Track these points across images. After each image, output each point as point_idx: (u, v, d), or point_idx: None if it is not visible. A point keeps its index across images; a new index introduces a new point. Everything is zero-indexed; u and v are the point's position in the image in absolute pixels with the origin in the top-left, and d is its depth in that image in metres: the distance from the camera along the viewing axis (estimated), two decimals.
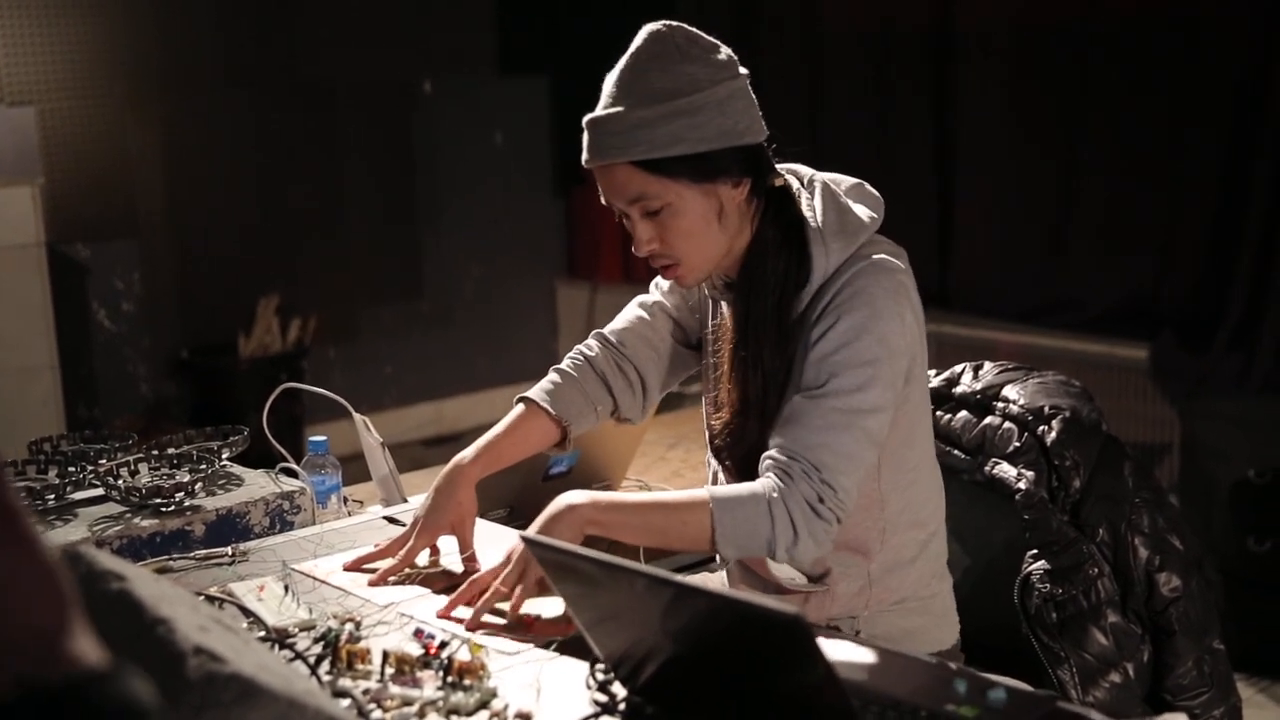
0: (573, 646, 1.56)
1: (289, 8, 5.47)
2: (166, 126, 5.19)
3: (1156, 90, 4.28)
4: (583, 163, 1.77)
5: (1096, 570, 1.93)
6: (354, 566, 1.85)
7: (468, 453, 1.91)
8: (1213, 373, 4.03)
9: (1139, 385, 4.23)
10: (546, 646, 1.58)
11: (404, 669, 1.45)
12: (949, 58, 4.84)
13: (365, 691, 1.41)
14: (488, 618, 1.65)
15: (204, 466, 2.11)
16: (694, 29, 1.76)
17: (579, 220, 6.20)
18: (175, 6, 5.17)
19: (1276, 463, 3.59)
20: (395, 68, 5.78)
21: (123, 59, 5.04)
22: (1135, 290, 4.39)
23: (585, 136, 1.75)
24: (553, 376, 1.99)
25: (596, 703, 1.42)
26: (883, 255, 1.76)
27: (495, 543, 1.90)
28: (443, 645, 1.49)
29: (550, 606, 1.66)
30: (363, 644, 1.51)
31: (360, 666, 1.48)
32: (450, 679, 1.44)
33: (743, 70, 1.77)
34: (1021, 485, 1.96)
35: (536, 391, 1.96)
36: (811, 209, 1.79)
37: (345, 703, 1.39)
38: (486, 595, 1.65)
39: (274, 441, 2.23)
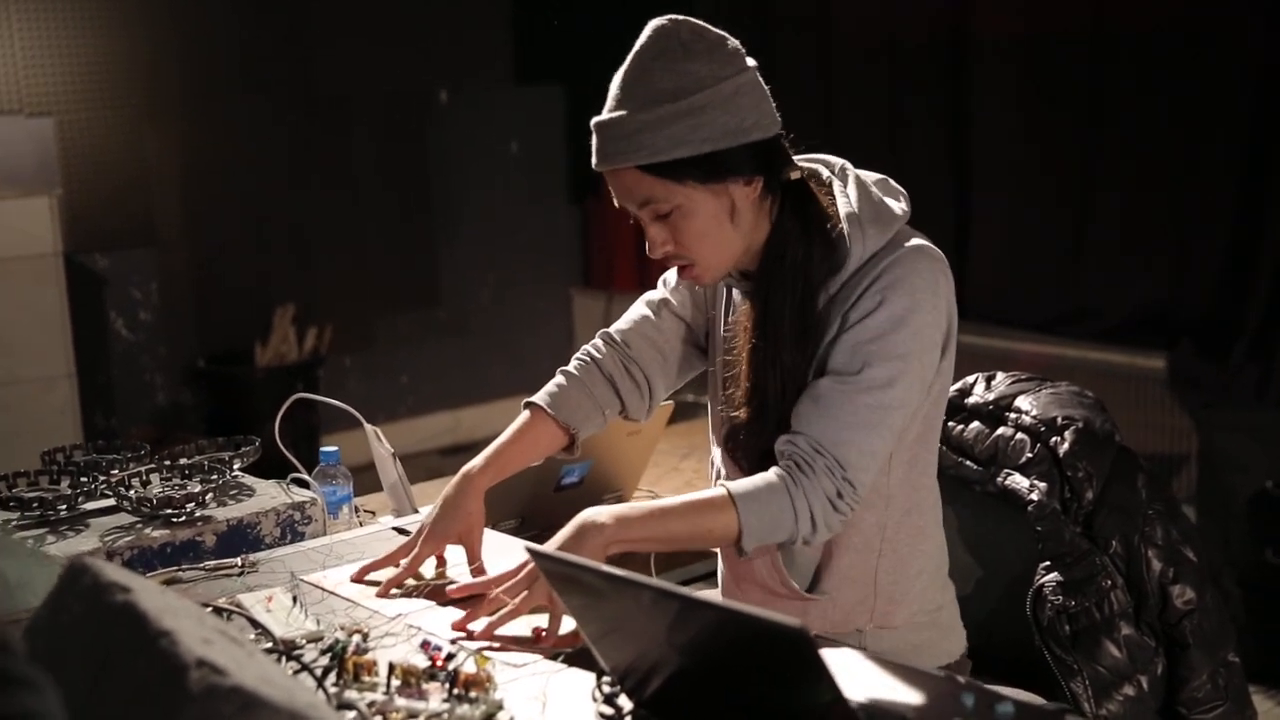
0: (580, 659, 1.55)
1: (306, 19, 5.49)
2: (184, 137, 5.21)
3: (1172, 99, 4.26)
4: (592, 166, 1.77)
5: (1109, 582, 1.92)
6: (360, 576, 1.85)
7: (476, 462, 1.91)
8: (1231, 383, 4.00)
9: (1157, 395, 4.20)
10: (554, 658, 1.57)
11: (410, 681, 1.45)
12: (963, 68, 4.83)
13: (370, 704, 1.41)
14: (500, 630, 1.64)
15: (215, 477, 2.11)
16: (700, 22, 1.73)
17: (594, 229, 6.20)
18: (193, 18, 5.20)
19: None
20: (411, 77, 5.79)
21: (141, 70, 5.06)
22: (1153, 300, 4.36)
23: (593, 139, 1.74)
24: (559, 379, 1.98)
25: (603, 715, 1.42)
26: (921, 241, 1.76)
27: (505, 553, 1.89)
28: (449, 657, 1.49)
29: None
30: (369, 656, 1.51)
31: (366, 678, 1.47)
32: (456, 691, 1.43)
33: (750, 62, 1.74)
34: (1034, 496, 1.95)
35: (542, 396, 1.95)
36: (846, 195, 1.77)
37: (350, 715, 1.39)
38: (496, 609, 1.64)
39: (285, 451, 2.23)
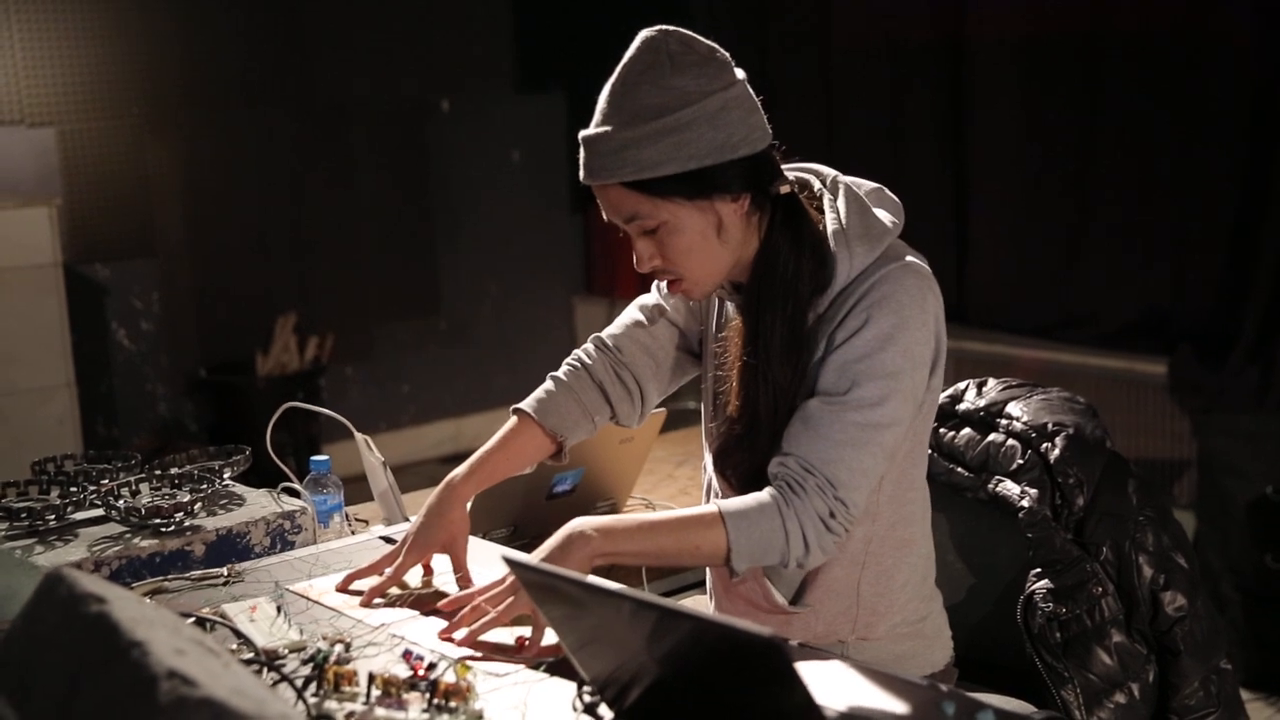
0: (561, 668, 1.55)
1: (307, 28, 5.50)
2: (185, 147, 5.22)
3: (1171, 105, 4.26)
4: (580, 180, 1.76)
5: (1100, 589, 1.91)
6: (345, 585, 1.85)
7: (460, 470, 1.90)
8: (1230, 389, 3.99)
9: (1157, 401, 4.19)
10: (536, 668, 1.57)
11: (390, 691, 1.44)
12: (961, 74, 4.82)
13: (350, 714, 1.41)
14: (482, 639, 1.64)
15: (205, 486, 2.11)
16: (690, 33, 1.71)
17: (596, 236, 6.20)
18: (194, 28, 5.21)
19: None
20: (413, 86, 5.80)
21: (142, 81, 5.07)
22: (1152, 305, 4.36)
23: (581, 153, 1.74)
24: (547, 385, 1.97)
25: None
26: (910, 258, 1.74)
27: (492, 563, 1.89)
28: (431, 667, 1.49)
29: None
30: (351, 665, 1.51)
31: (347, 688, 1.47)
32: (436, 701, 1.43)
33: (740, 74, 1.72)
34: (1025, 503, 1.94)
35: (529, 402, 1.94)
36: (835, 210, 1.75)
37: None
38: (478, 618, 1.64)
39: (277, 460, 2.23)
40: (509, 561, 1.39)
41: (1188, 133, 4.22)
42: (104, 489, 2.08)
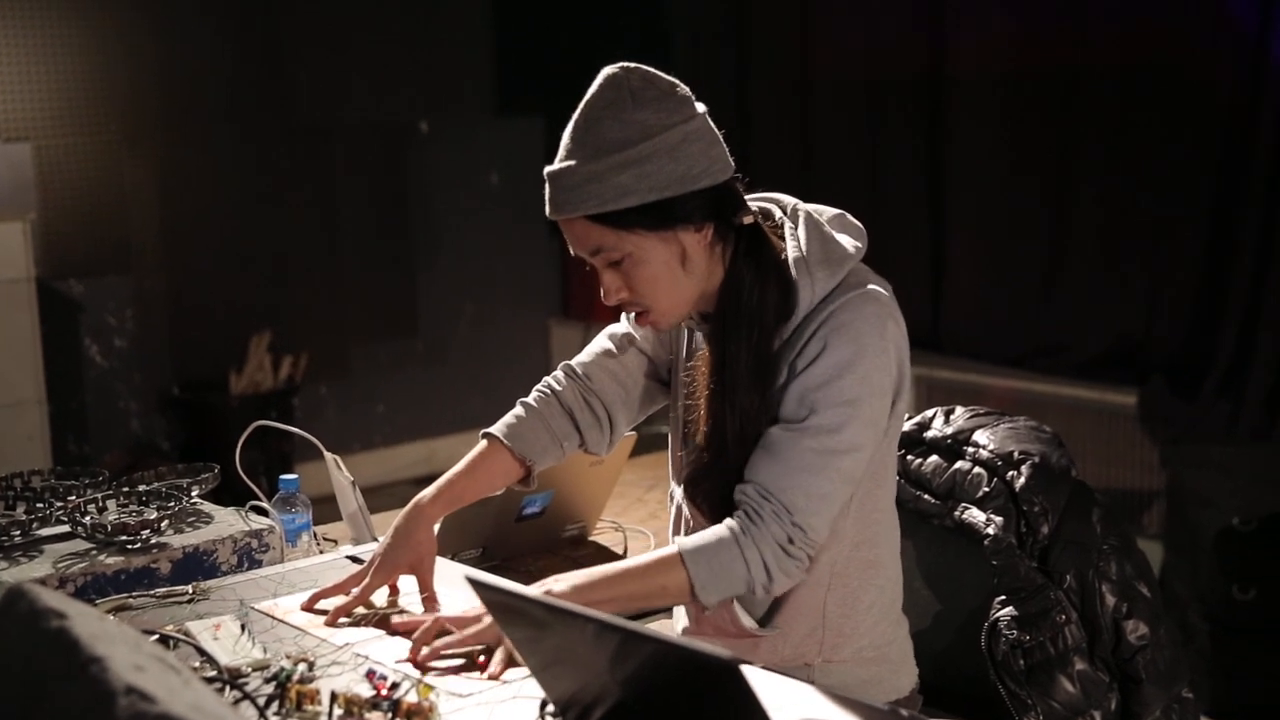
0: (525, 688, 1.55)
1: (287, 47, 5.51)
2: (161, 164, 5.21)
3: (1144, 139, 4.30)
4: (547, 215, 1.77)
5: (1064, 617, 1.92)
6: (310, 604, 1.84)
7: (428, 492, 1.91)
8: (1200, 420, 4.02)
9: (1127, 431, 4.22)
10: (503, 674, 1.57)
11: (352, 710, 1.44)
12: (939, 104, 4.86)
13: None
14: (445, 660, 1.64)
15: (172, 504, 2.10)
16: (651, 69, 1.74)
17: (573, 260, 6.17)
18: (172, 44, 5.21)
19: (1261, 510, 3.58)
20: (392, 107, 5.81)
21: (119, 97, 5.07)
22: (1124, 336, 4.39)
23: (546, 189, 1.75)
24: (518, 410, 1.98)
25: None
26: (871, 286, 1.75)
27: (459, 583, 1.89)
28: (394, 686, 1.49)
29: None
30: (314, 684, 1.51)
31: (309, 707, 1.47)
32: None
33: (700, 108, 1.74)
34: (990, 530, 1.95)
35: (499, 427, 1.95)
36: (795, 238, 1.77)
37: None
38: (437, 641, 1.64)
39: (245, 478, 2.22)
40: (473, 582, 1.39)
41: (1161, 166, 4.26)
42: (70, 505, 2.07)
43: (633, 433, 2.38)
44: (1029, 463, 1.99)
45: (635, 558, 1.74)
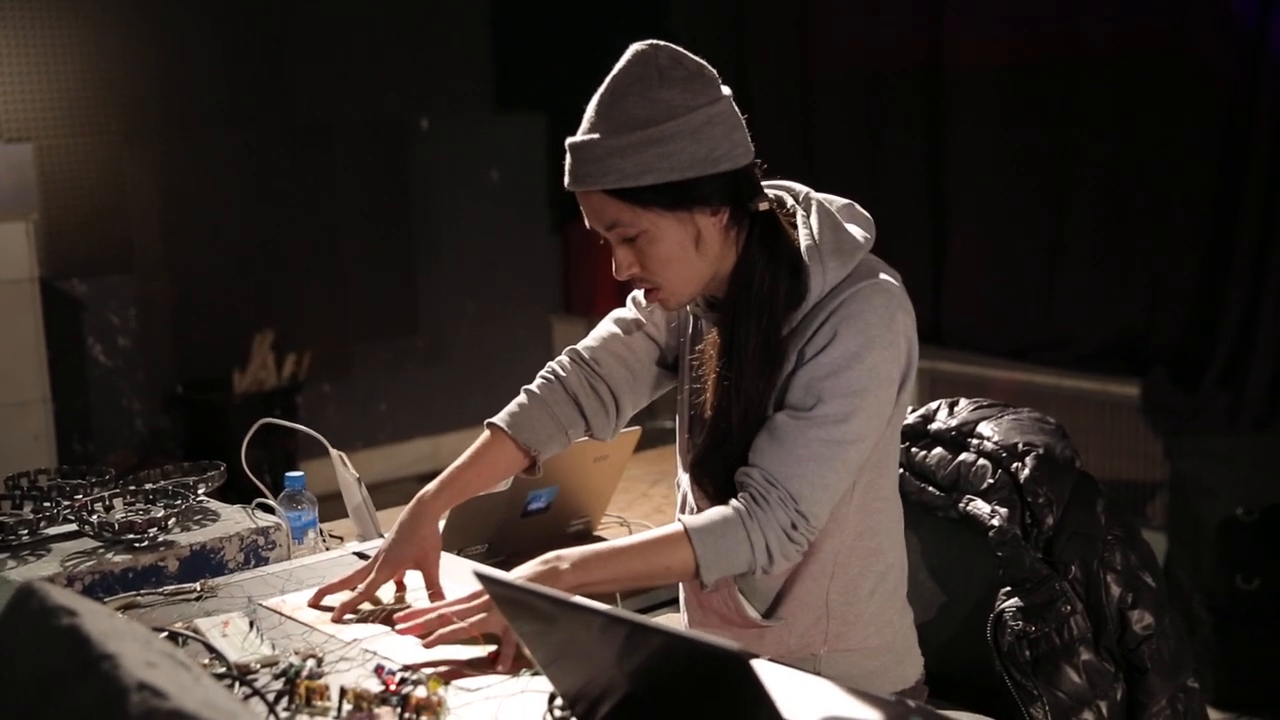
0: (534, 682, 1.55)
1: (287, 45, 5.51)
2: (163, 163, 5.22)
3: (1144, 129, 4.30)
4: (565, 186, 1.78)
5: (1069, 607, 1.92)
6: (317, 600, 1.85)
7: (431, 487, 1.91)
8: (1203, 410, 4.02)
9: (1130, 422, 4.22)
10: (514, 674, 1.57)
11: (362, 705, 1.45)
12: (938, 99, 4.86)
13: None
14: (452, 653, 1.64)
15: (179, 502, 2.11)
16: (680, 49, 1.75)
17: (574, 256, 6.22)
18: (173, 44, 5.21)
19: (1264, 501, 3.58)
20: (392, 105, 5.81)
21: (120, 96, 5.07)
22: (1126, 328, 4.39)
23: (567, 159, 1.76)
24: (521, 399, 1.98)
25: None
26: (882, 276, 1.76)
27: (465, 578, 1.89)
28: (402, 681, 1.49)
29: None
30: (322, 680, 1.51)
31: (318, 703, 1.47)
32: (407, 715, 1.43)
33: (726, 91, 1.75)
34: (995, 522, 1.95)
35: (503, 416, 1.95)
36: (808, 226, 1.78)
37: None
38: (440, 623, 1.66)
39: (252, 476, 2.23)
40: (480, 576, 1.40)
41: (1161, 159, 4.26)
42: (78, 504, 2.08)
43: (637, 428, 2.39)
44: (1033, 454, 1.99)
45: (639, 534, 1.75)
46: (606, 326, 2.03)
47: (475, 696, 1.54)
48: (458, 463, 1.93)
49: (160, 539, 2.03)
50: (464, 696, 1.53)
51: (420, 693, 1.46)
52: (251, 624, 1.72)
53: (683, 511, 1.96)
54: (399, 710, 1.44)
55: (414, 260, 5.94)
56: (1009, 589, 1.93)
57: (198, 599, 1.89)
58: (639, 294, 1.97)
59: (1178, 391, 4.11)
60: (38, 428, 4.47)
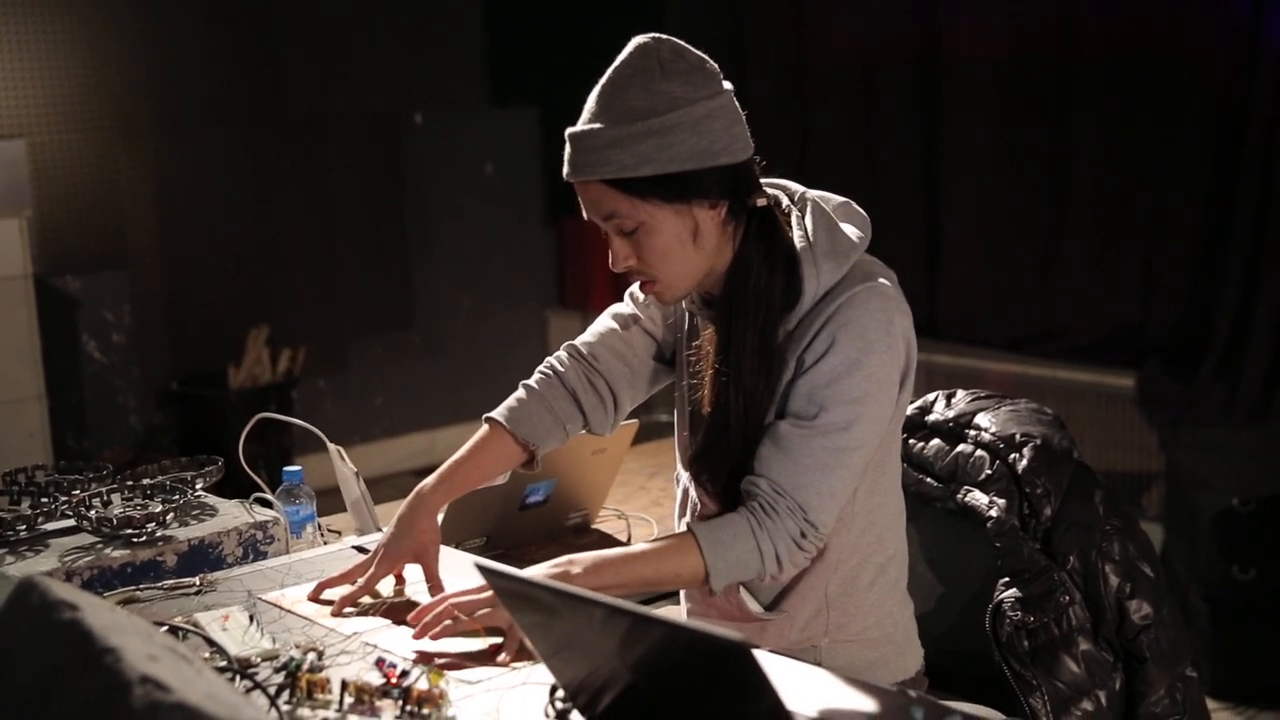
0: (535, 674, 1.56)
1: (280, 40, 5.50)
2: (157, 159, 5.21)
3: (1140, 122, 4.31)
4: (563, 176, 1.78)
5: (1068, 598, 1.93)
6: (316, 594, 1.85)
7: (429, 480, 1.91)
8: (1198, 402, 4.03)
9: (1125, 414, 4.23)
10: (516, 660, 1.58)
11: (363, 698, 1.45)
12: (934, 91, 4.86)
13: None
14: (453, 646, 1.65)
15: (176, 497, 2.11)
16: (681, 42, 1.75)
17: (570, 250, 6.22)
18: (166, 40, 5.20)
19: (1260, 491, 3.59)
20: (386, 100, 5.81)
21: (114, 92, 5.06)
22: (1121, 319, 4.40)
23: (566, 149, 1.76)
24: (519, 393, 1.98)
25: None
26: (877, 280, 1.76)
27: (465, 572, 1.89)
28: (404, 674, 1.49)
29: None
30: (324, 674, 1.51)
31: (320, 696, 1.47)
32: (409, 708, 1.44)
33: (727, 85, 1.76)
34: (993, 513, 1.96)
35: (501, 411, 1.96)
36: (802, 227, 1.78)
37: None
38: (440, 611, 1.66)
39: (249, 471, 2.23)
40: (482, 569, 1.40)
41: (1156, 151, 4.27)
42: (75, 499, 2.08)
43: (634, 420, 2.39)
44: (1031, 445, 2.00)
45: (648, 542, 1.76)
46: (604, 322, 2.03)
47: (476, 689, 1.54)
48: (456, 457, 1.93)
49: (158, 534, 2.02)
50: (465, 689, 1.53)
51: (422, 685, 1.46)
52: (251, 618, 1.72)
53: (684, 507, 1.96)
54: (400, 703, 1.44)
55: (409, 255, 5.93)
56: (1007, 580, 1.93)
57: (197, 593, 1.89)
58: (637, 289, 1.97)
59: (1173, 383, 4.12)
60: (33, 424, 4.46)
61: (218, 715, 1.10)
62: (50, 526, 2.09)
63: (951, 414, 2.10)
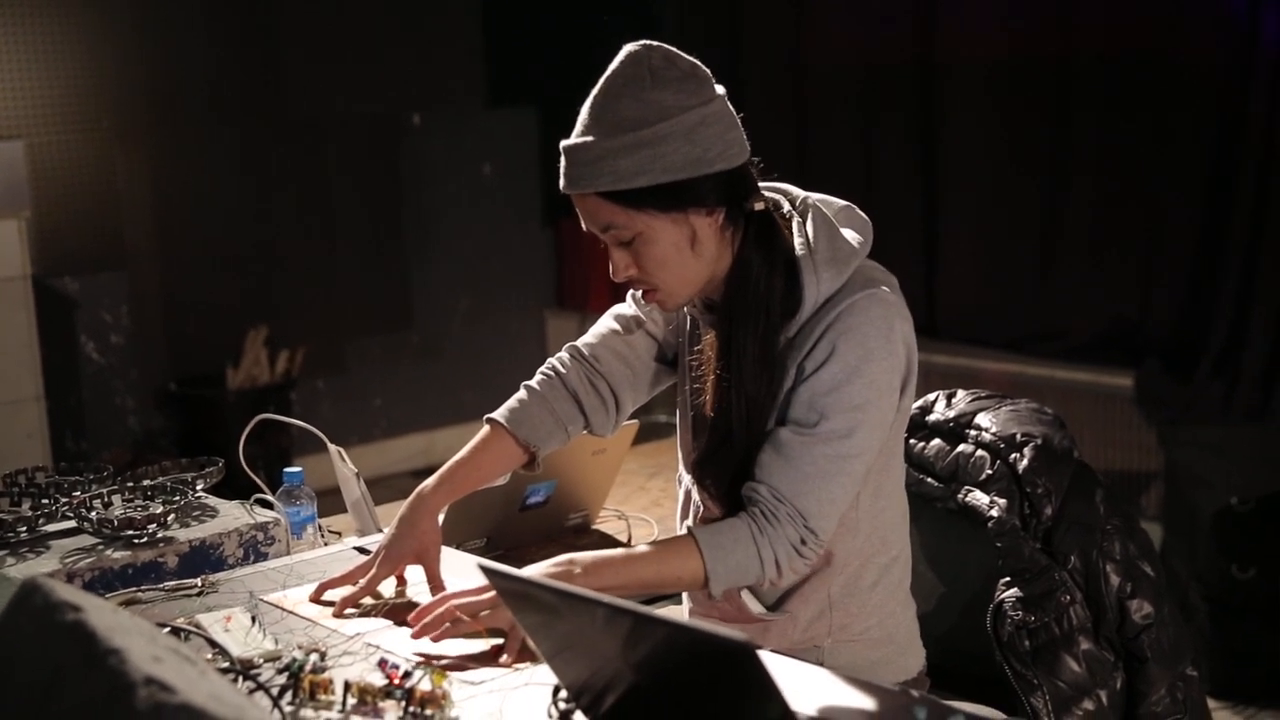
0: (538, 675, 1.56)
1: (278, 41, 5.50)
2: (155, 159, 5.20)
3: (1137, 122, 4.31)
4: (560, 189, 1.78)
5: (1069, 597, 1.93)
6: (318, 595, 1.85)
7: (430, 481, 1.91)
8: (1196, 401, 4.03)
9: (1124, 413, 4.23)
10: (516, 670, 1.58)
11: (366, 699, 1.45)
12: (932, 91, 4.87)
13: None
14: (455, 647, 1.65)
15: (177, 498, 2.11)
16: (673, 49, 1.74)
17: (567, 251, 6.22)
18: (164, 40, 5.20)
19: (1259, 490, 3.60)
20: (384, 100, 5.80)
21: (111, 93, 5.06)
22: (1119, 319, 4.40)
23: (561, 162, 1.76)
24: (520, 394, 1.98)
25: None
26: (877, 288, 1.76)
27: (467, 573, 1.89)
28: (406, 675, 1.49)
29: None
30: (326, 674, 1.51)
31: (323, 697, 1.48)
32: (411, 709, 1.44)
33: (720, 90, 1.75)
34: (994, 513, 1.96)
35: (502, 412, 1.96)
36: (804, 234, 1.77)
37: None
38: (443, 612, 1.66)
39: (250, 472, 2.23)
40: (485, 569, 1.40)
41: (1154, 151, 4.27)
42: (76, 500, 2.08)
43: (635, 421, 2.39)
44: (1031, 445, 2.00)
45: (648, 544, 1.77)
46: (606, 323, 2.03)
47: (479, 690, 1.54)
48: (457, 458, 1.93)
49: (159, 535, 2.02)
50: (468, 690, 1.54)
51: (424, 686, 1.46)
52: (253, 619, 1.72)
53: (685, 509, 1.96)
54: (403, 704, 1.44)
55: (407, 255, 5.93)
56: (1008, 579, 1.93)
57: (199, 594, 1.89)
58: (638, 293, 1.97)
59: (1172, 382, 4.12)
60: (31, 426, 4.46)
61: (222, 716, 1.10)
62: (51, 528, 2.09)
63: (952, 414, 2.10)
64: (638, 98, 1.69)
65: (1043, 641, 1.91)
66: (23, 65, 4.82)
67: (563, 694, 1.45)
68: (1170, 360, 4.18)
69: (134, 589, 1.91)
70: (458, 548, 2.19)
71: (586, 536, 2.50)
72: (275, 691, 1.48)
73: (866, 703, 1.39)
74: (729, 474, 1.79)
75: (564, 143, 1.74)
